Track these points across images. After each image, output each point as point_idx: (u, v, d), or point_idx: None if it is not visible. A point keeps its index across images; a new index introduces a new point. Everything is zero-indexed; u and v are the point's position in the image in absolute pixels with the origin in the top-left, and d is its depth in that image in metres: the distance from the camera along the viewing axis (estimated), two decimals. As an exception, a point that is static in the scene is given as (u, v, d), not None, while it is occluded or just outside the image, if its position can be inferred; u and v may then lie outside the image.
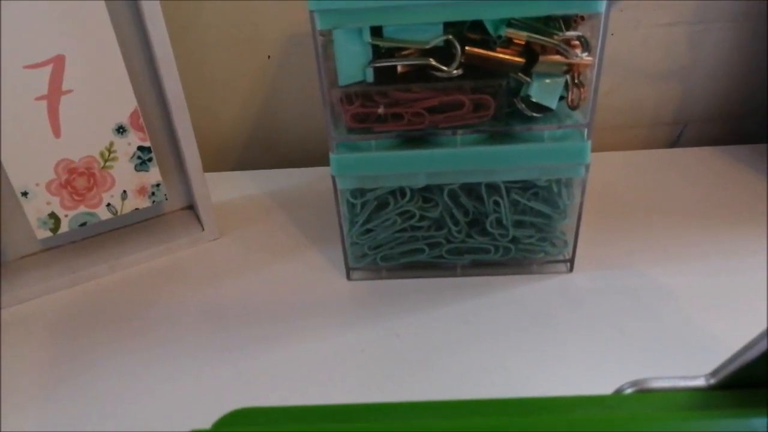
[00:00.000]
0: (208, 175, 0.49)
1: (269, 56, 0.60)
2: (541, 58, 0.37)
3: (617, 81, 0.61)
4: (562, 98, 0.39)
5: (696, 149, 0.60)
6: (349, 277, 0.46)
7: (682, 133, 0.64)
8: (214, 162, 0.64)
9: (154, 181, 0.48)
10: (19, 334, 0.43)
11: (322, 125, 0.62)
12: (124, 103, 0.44)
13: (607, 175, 0.56)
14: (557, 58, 0.37)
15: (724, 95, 0.62)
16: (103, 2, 0.41)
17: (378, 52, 0.37)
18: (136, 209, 0.48)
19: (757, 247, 0.46)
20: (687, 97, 0.62)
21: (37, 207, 0.44)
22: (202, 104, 0.61)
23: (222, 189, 0.58)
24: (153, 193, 0.48)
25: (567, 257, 0.45)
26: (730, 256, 0.46)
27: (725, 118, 0.64)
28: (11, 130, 0.41)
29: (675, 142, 0.65)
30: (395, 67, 0.38)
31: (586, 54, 0.37)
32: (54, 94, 0.41)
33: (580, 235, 0.43)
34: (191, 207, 0.53)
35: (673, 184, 0.55)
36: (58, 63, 0.41)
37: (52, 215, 0.45)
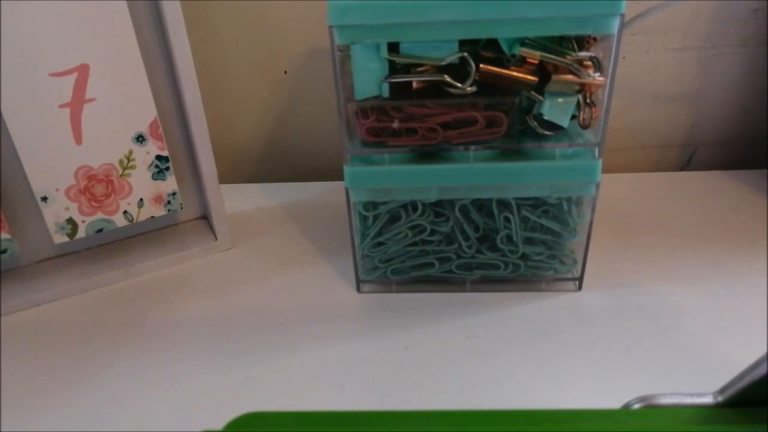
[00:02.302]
0: (222, 186, 0.50)
1: (285, 71, 0.61)
2: (554, 77, 0.38)
3: (628, 103, 0.62)
4: (573, 117, 0.39)
5: (706, 173, 0.60)
6: (359, 290, 0.46)
7: (692, 156, 0.65)
8: (229, 174, 0.65)
9: (170, 190, 0.48)
10: (33, 337, 0.43)
11: (335, 140, 0.64)
12: (145, 112, 0.45)
13: (617, 196, 0.57)
14: (570, 77, 0.38)
15: (735, 119, 0.63)
16: (128, 14, 0.42)
17: (394, 68, 0.38)
18: (152, 217, 0.49)
19: (765, 269, 0.46)
20: (697, 120, 0.63)
21: (55, 212, 0.45)
22: (219, 117, 0.63)
23: (236, 200, 0.59)
24: (169, 202, 0.49)
25: (576, 275, 0.45)
26: (739, 277, 0.46)
27: (735, 143, 0.64)
28: (34, 136, 0.42)
29: (685, 165, 0.66)
30: (410, 82, 0.39)
31: (598, 74, 0.38)
32: (77, 102, 0.42)
33: (590, 254, 0.44)
34: (205, 217, 0.54)
35: (683, 207, 0.55)
36: (82, 72, 0.42)
37: (70, 221, 0.46)
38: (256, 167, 0.66)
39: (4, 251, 0.45)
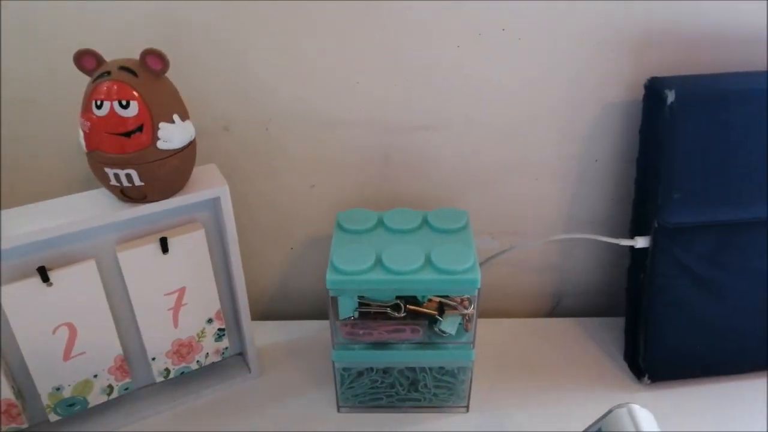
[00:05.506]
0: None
1: (292, 248, 0.92)
2: (447, 310, 0.70)
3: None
4: (459, 325, 0.72)
5: (567, 319, 0.93)
6: (338, 410, 0.78)
7: (557, 304, 0.98)
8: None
9: (224, 347, 0.79)
10: (146, 442, 0.74)
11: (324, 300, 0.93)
12: (213, 307, 0.76)
13: (496, 339, 0.88)
14: (455, 311, 0.70)
15: (595, 273, 0.95)
16: (209, 259, 0.73)
17: (361, 303, 0.70)
18: (212, 363, 0.80)
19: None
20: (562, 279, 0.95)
21: (158, 366, 0.75)
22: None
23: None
24: (223, 352, 0.80)
25: (464, 404, 0.77)
26: (584, 406, 0.78)
27: (594, 294, 0.96)
28: (152, 327, 0.73)
29: (551, 312, 0.98)
30: (370, 311, 0.71)
31: (471, 308, 0.70)
32: (177, 307, 0.73)
33: (474, 388, 0.76)
34: (241, 353, 0.84)
35: (549, 347, 0.87)
36: (181, 291, 0.73)
37: (166, 369, 0.76)
38: (266, 308, 0.97)
39: (126, 389, 0.75)
